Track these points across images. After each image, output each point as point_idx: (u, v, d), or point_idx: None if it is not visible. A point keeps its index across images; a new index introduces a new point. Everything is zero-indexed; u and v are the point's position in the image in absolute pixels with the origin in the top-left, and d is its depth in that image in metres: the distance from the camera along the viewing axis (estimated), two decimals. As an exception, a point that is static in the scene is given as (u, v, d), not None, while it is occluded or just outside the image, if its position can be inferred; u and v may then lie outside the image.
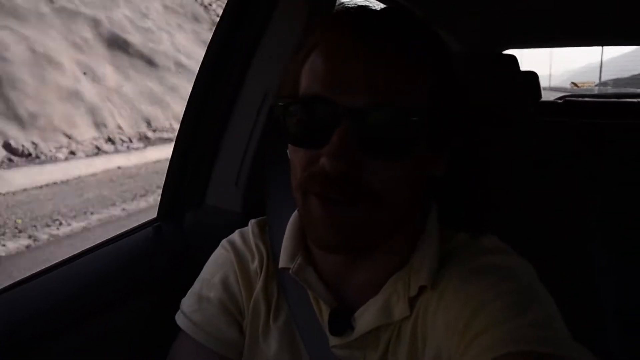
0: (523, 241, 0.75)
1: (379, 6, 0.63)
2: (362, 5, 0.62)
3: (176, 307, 0.77)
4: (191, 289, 0.77)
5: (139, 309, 1.01)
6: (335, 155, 0.55)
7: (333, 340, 0.66)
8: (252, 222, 0.80)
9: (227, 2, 1.09)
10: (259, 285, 0.73)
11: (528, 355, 0.51)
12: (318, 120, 0.57)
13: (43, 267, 0.93)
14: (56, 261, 0.95)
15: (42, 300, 0.86)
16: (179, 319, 0.75)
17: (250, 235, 0.77)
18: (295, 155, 0.61)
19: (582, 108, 1.80)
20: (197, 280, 0.78)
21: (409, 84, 0.57)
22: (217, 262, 0.77)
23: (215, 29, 1.09)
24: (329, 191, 0.56)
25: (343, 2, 0.64)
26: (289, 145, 0.62)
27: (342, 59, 0.57)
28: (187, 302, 0.76)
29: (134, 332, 1.00)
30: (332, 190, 0.56)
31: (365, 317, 0.65)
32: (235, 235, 0.78)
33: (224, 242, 0.79)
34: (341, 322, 0.66)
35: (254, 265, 0.74)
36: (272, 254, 0.74)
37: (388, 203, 0.58)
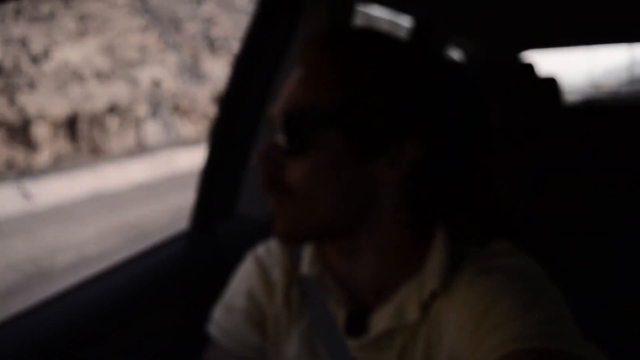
0: (541, 244, 0.76)
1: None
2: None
3: (210, 315, 0.80)
4: (221, 298, 0.81)
5: (174, 318, 1.05)
6: (258, 157, 0.65)
7: (351, 343, 0.69)
8: None
9: (251, 19, 1.13)
10: (280, 292, 0.76)
11: (536, 352, 0.53)
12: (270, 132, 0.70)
13: (82, 281, 0.97)
14: (94, 274, 1.00)
15: (77, 313, 0.90)
16: (210, 327, 0.79)
17: (274, 245, 0.81)
18: None
19: (604, 111, 1.79)
20: (226, 290, 0.82)
21: (313, 93, 0.64)
22: (243, 274, 0.81)
23: (242, 43, 1.14)
24: (266, 190, 0.66)
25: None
26: None
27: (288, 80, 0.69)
28: (217, 312, 0.80)
29: (168, 340, 1.03)
30: (264, 187, 0.66)
31: (380, 320, 0.67)
32: (260, 247, 0.83)
33: (249, 254, 0.83)
34: (357, 323, 0.69)
35: (276, 273, 0.78)
36: (295, 261, 0.78)
37: (301, 196, 0.64)
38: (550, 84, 1.70)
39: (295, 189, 0.64)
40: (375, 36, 0.69)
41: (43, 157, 9.29)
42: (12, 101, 8.98)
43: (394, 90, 0.64)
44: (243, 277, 0.80)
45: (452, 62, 0.71)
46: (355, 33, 0.71)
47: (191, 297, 1.08)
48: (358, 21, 1.35)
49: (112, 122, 10.28)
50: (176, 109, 11.20)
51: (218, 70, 11.63)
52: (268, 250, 0.81)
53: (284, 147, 0.65)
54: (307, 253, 0.74)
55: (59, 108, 9.59)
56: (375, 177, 0.66)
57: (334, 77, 0.65)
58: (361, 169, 0.65)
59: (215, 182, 1.19)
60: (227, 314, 0.78)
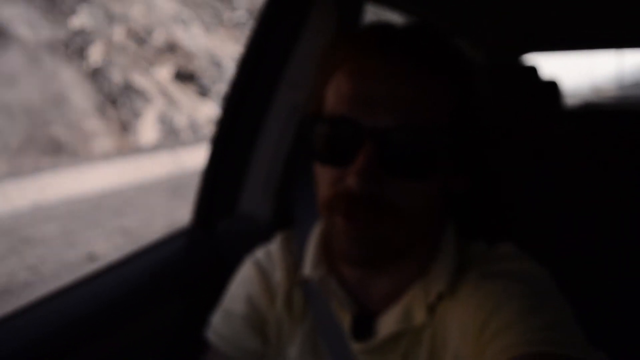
0: (542, 248, 0.76)
1: (403, 22, 0.66)
2: (384, 24, 0.64)
3: (209, 313, 0.80)
4: (219, 304, 0.81)
5: (173, 317, 1.05)
6: (360, 176, 0.57)
7: (355, 346, 0.69)
8: (278, 234, 0.83)
9: (258, 17, 1.13)
10: (282, 295, 0.75)
11: (541, 357, 0.53)
12: (343, 140, 0.60)
13: (78, 280, 0.97)
14: (91, 273, 0.99)
15: (77, 310, 0.90)
16: (209, 333, 0.78)
17: (275, 248, 0.80)
18: (320, 172, 0.64)
19: (603, 115, 1.80)
20: (225, 295, 0.81)
21: (432, 103, 0.59)
22: (242, 279, 0.80)
23: (248, 41, 1.13)
24: (353, 210, 0.59)
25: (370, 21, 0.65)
26: (315, 162, 0.65)
27: (366, 79, 0.59)
28: (215, 317, 0.79)
29: (168, 339, 1.03)
30: (357, 209, 0.59)
31: (386, 323, 0.67)
32: (259, 251, 0.82)
33: (248, 258, 0.82)
34: (363, 327, 0.69)
35: (277, 277, 0.77)
36: (298, 263, 0.77)
37: (410, 219, 0.60)
38: (551, 88, 1.71)
39: (405, 211, 0.59)
40: (463, 54, 0.65)
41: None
42: None
43: (480, 97, 0.65)
44: (242, 283, 0.79)
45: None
46: (457, 49, 0.65)
47: (191, 295, 1.08)
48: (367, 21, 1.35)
49: None
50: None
51: None
52: (268, 254, 0.80)
53: (396, 165, 0.58)
54: (309, 255, 0.74)
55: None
56: (449, 193, 0.66)
57: (452, 82, 0.61)
58: (449, 187, 0.65)
59: (217, 179, 1.18)
60: (225, 319, 0.78)
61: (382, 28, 0.63)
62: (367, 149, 0.57)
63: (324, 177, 0.63)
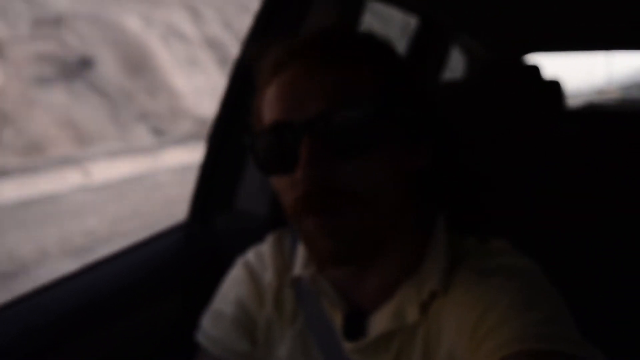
0: (534, 245, 0.76)
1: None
2: (301, 37, 0.69)
3: (204, 309, 0.80)
4: (210, 305, 0.80)
5: (169, 312, 1.05)
6: (307, 166, 0.58)
7: (347, 346, 0.68)
8: (270, 234, 0.83)
9: (257, 15, 1.13)
10: (272, 296, 0.75)
11: (536, 353, 0.53)
12: (283, 143, 0.61)
13: (72, 272, 0.96)
14: (85, 265, 0.99)
15: (71, 303, 0.89)
16: (199, 334, 0.78)
17: (266, 248, 0.80)
18: (277, 184, 0.65)
19: (606, 116, 1.79)
20: (216, 295, 0.81)
21: (352, 87, 0.61)
22: (232, 281, 0.80)
23: (247, 37, 1.13)
24: (313, 203, 0.59)
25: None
26: (270, 177, 0.66)
27: (288, 83, 0.62)
28: (205, 319, 0.79)
29: (163, 333, 1.03)
30: (316, 201, 0.59)
31: (378, 322, 0.66)
32: (250, 253, 0.82)
33: (239, 260, 0.82)
34: (355, 326, 0.68)
35: (267, 277, 0.77)
36: (289, 264, 0.76)
37: (372, 202, 0.61)
38: (554, 87, 1.70)
39: (361, 193, 0.60)
40: (384, 41, 0.68)
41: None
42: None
43: (417, 93, 0.67)
44: (232, 284, 0.79)
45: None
46: (371, 35, 0.69)
47: (186, 290, 1.07)
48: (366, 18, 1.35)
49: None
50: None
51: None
52: (259, 255, 0.80)
53: (336, 147, 0.59)
54: (300, 254, 0.74)
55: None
56: (411, 173, 0.66)
57: (371, 67, 0.63)
58: (406, 165, 0.65)
59: (214, 174, 1.18)
60: (215, 321, 0.77)
61: (297, 40, 0.67)
62: (306, 140, 0.59)
63: (281, 187, 0.64)
